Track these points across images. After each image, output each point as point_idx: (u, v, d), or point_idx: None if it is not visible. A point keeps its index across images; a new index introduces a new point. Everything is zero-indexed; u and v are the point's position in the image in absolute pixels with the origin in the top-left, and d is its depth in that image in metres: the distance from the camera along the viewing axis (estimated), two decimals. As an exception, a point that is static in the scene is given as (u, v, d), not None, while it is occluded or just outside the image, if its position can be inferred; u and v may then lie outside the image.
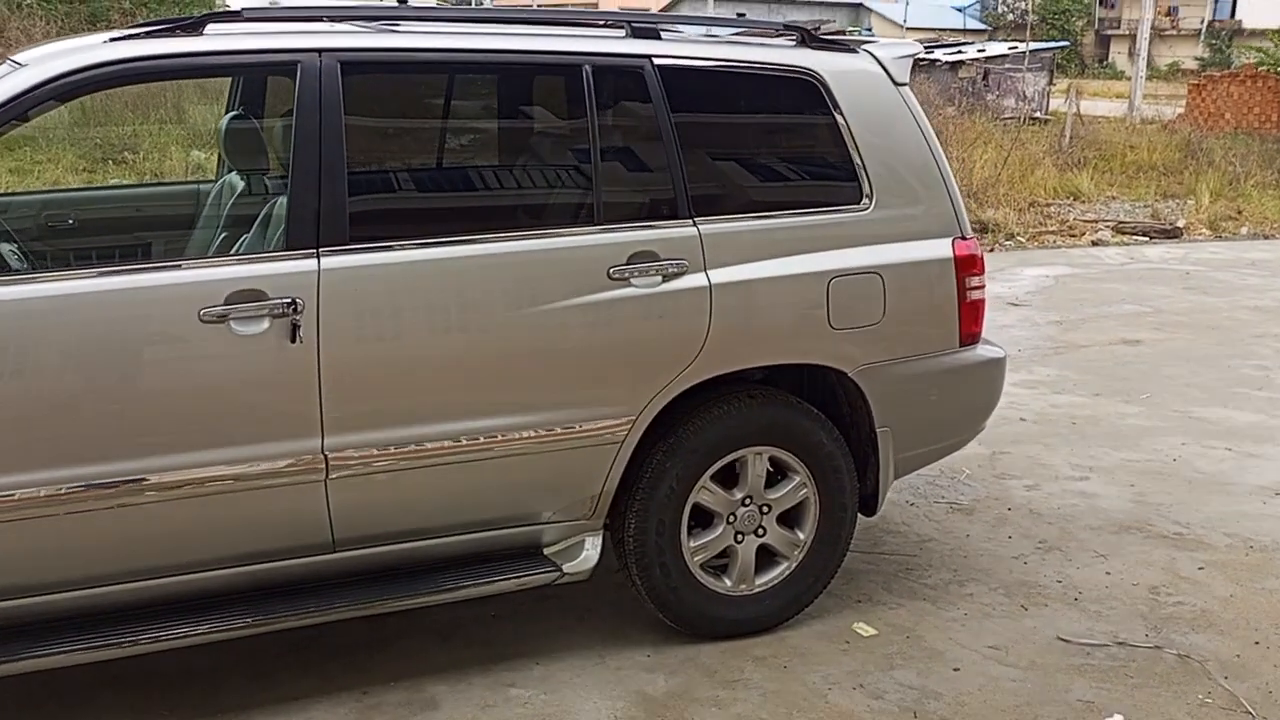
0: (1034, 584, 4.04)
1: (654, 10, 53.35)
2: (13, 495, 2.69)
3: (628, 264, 3.21)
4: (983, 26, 58.06)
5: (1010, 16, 59.26)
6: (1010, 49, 29.08)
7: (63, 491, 2.73)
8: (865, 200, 3.53)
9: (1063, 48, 36.01)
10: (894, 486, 4.72)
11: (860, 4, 59.34)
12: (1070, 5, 61.46)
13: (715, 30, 3.94)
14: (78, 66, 2.79)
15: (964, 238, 3.68)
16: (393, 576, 3.19)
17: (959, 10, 61.17)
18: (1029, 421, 5.83)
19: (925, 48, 29.99)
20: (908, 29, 49.65)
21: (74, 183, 12.59)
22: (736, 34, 3.92)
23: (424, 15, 3.45)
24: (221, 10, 3.09)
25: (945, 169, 3.69)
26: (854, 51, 3.68)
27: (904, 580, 4.05)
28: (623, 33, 3.42)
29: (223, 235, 3.54)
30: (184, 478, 2.83)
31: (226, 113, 3.92)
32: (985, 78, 27.17)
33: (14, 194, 4.66)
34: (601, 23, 3.54)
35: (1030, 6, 55.20)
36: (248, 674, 3.34)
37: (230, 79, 4.06)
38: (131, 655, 2.91)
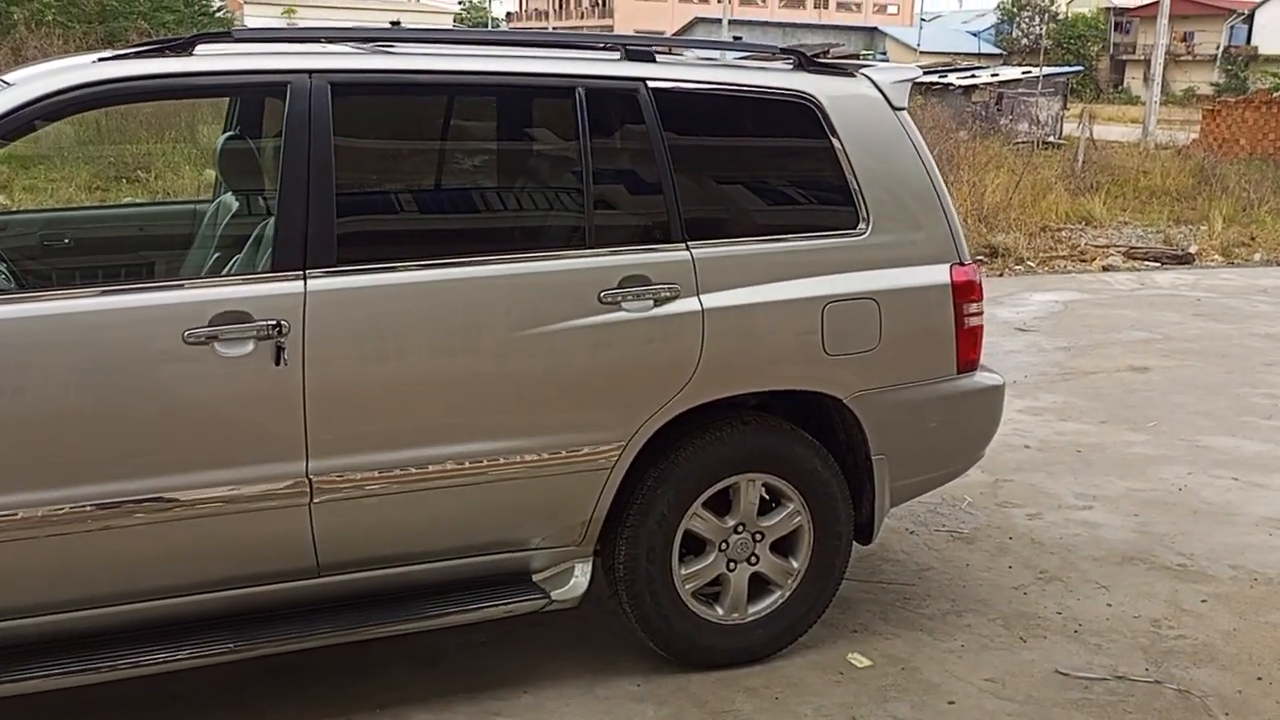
0: (1034, 615, 3.98)
1: (669, 34, 53.65)
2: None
3: (619, 288, 3.18)
4: (997, 51, 58.12)
5: (1025, 41, 59.29)
6: (1024, 73, 29.07)
7: (40, 514, 2.70)
8: (862, 225, 3.50)
9: (1076, 73, 35.98)
10: (893, 514, 4.68)
11: (875, 28, 59.52)
12: (1085, 30, 61.49)
13: (712, 53, 3.91)
14: (64, 86, 2.78)
15: (962, 263, 3.64)
16: (378, 602, 3.15)
17: (974, 35, 61.26)
18: (1033, 449, 5.77)
19: (939, 72, 30.07)
20: (922, 53, 49.71)
21: (86, 201, 12.67)
22: (735, 57, 3.89)
23: (420, 37, 3.43)
24: (212, 31, 3.07)
25: (943, 194, 3.65)
26: (852, 75, 3.65)
27: (901, 610, 3.99)
28: (617, 55, 3.40)
29: (216, 256, 3.53)
30: (166, 500, 2.80)
31: (224, 133, 3.92)
32: (999, 102, 27.17)
33: (12, 213, 4.68)
34: (597, 45, 3.52)
35: (1045, 32, 55.23)
36: (230, 699, 3.30)
37: (227, 100, 4.05)
38: (110, 680, 2.87)
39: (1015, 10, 62.58)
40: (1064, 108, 28.00)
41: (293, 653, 3.11)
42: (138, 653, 2.87)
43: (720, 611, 3.52)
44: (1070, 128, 24.78)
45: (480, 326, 3.06)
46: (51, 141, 14.66)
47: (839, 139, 3.48)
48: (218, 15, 32.06)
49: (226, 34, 3.03)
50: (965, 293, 3.62)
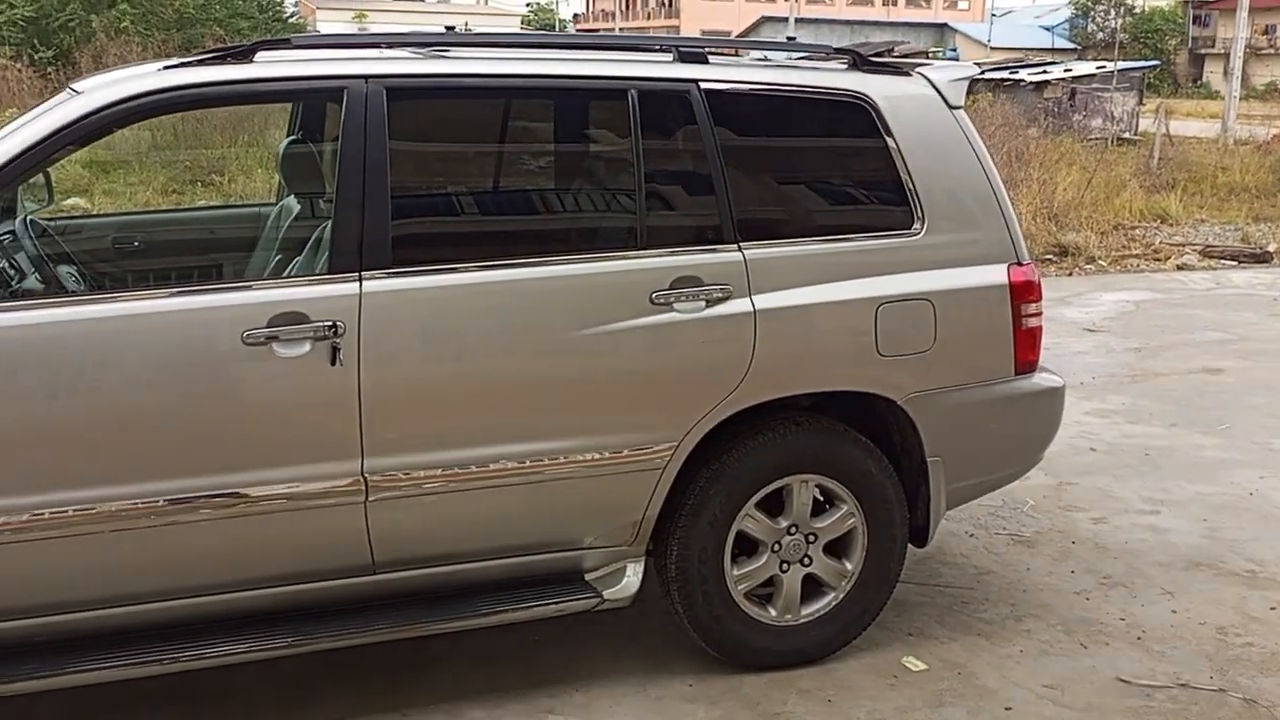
0: (1095, 621, 3.91)
1: (735, 34, 53.48)
2: (58, 513, 2.74)
3: (670, 289, 3.18)
4: (1071, 46, 57.06)
5: (1100, 36, 58.16)
6: (1098, 68, 28.52)
7: (107, 510, 2.78)
8: (917, 225, 3.46)
9: (1153, 67, 35.17)
10: (953, 517, 4.64)
11: (945, 25, 58.81)
12: (1163, 24, 60.14)
13: (766, 54, 3.90)
14: (130, 94, 2.86)
15: (1020, 263, 3.59)
16: (432, 599, 3.19)
17: (1047, 30, 60.23)
18: (1099, 452, 5.66)
19: (1009, 68, 29.64)
20: (992, 49, 49.01)
21: (163, 204, 12.99)
22: (790, 58, 3.87)
23: (475, 41, 3.47)
24: (272, 38, 3.14)
25: (1001, 193, 3.61)
26: (907, 74, 3.62)
27: (959, 614, 3.94)
28: (670, 57, 3.40)
29: (278, 258, 3.60)
30: (226, 497, 2.87)
31: (286, 137, 4.00)
32: (1072, 98, 26.69)
33: (86, 217, 4.83)
34: (650, 47, 3.53)
35: (1121, 25, 54.11)
36: (288, 693, 3.37)
37: (290, 105, 4.13)
38: (171, 672, 2.94)
39: (1090, 4, 61.45)
40: (1140, 103, 27.41)
41: (351, 648, 3.17)
42: (199, 645, 2.94)
43: (773, 613, 3.51)
44: (1146, 123, 24.25)
45: (531, 327, 3.09)
46: (130, 146, 15.08)
47: (894, 138, 3.46)
48: (290, 20, 32.65)
49: (286, 40, 3.09)
50: (1023, 293, 3.57)
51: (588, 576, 3.34)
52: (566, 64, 3.31)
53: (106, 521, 2.79)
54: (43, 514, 2.74)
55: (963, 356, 3.54)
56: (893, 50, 22.67)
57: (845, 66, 3.61)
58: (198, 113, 13.28)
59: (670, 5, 69.30)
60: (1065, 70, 28.39)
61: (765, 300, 3.27)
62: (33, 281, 3.13)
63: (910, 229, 3.47)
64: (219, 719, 3.25)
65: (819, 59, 3.77)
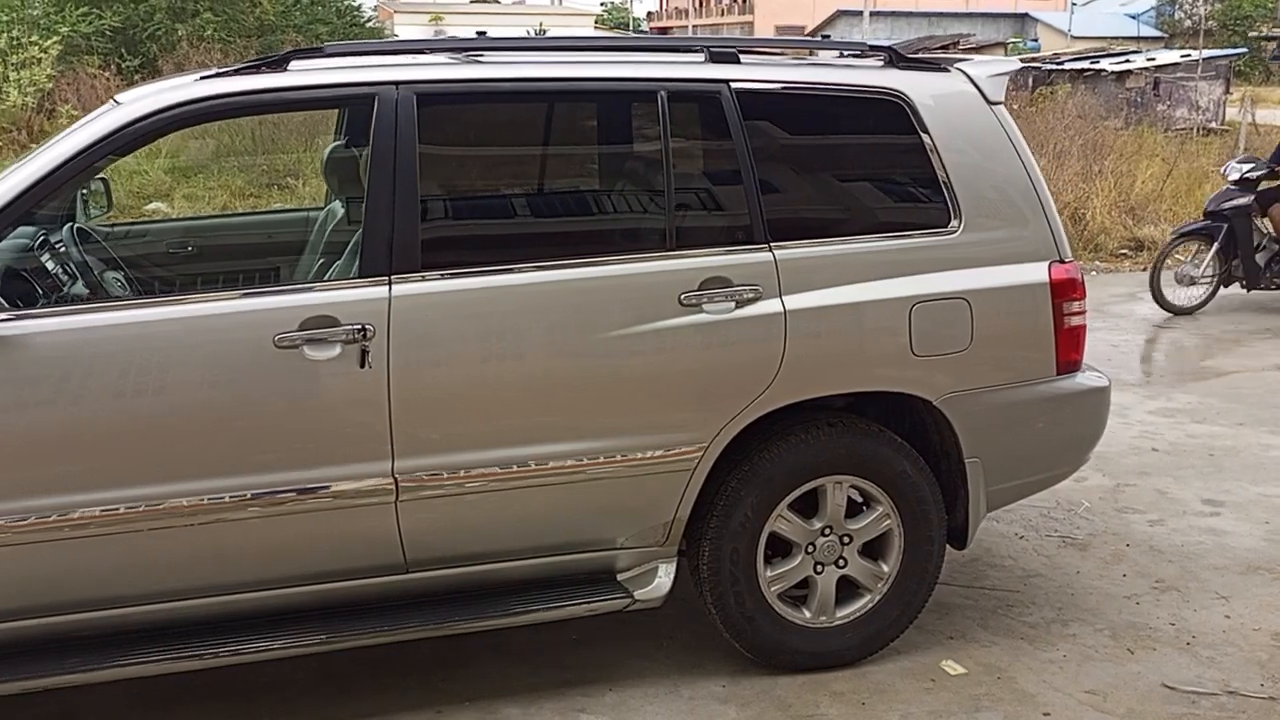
0: (1144, 626, 3.83)
1: (809, 29, 53.03)
2: (94, 513, 2.84)
3: (700, 290, 3.18)
4: (1157, 34, 55.61)
5: (1188, 23, 56.59)
6: (1182, 57, 27.77)
7: (143, 509, 2.86)
8: (953, 223, 3.42)
9: (1240, 55, 34.11)
10: (1003, 519, 4.58)
11: (1026, 15, 57.68)
12: (1253, 11, 58.31)
13: (802, 53, 3.87)
14: (166, 105, 2.94)
15: (1062, 261, 3.52)
16: (465, 598, 3.24)
17: (1133, 18, 58.77)
18: (1161, 452, 5.52)
19: (1090, 58, 28.98)
20: (1074, 38, 47.94)
21: (239, 207, 13.30)
22: (827, 56, 3.85)
23: (509, 45, 3.51)
24: (306, 47, 3.21)
25: (1042, 189, 3.54)
26: (945, 70, 3.57)
27: (1002, 617, 3.88)
28: (701, 58, 3.40)
29: (320, 261, 3.67)
30: (259, 497, 2.94)
31: (333, 142, 4.08)
32: (1155, 87, 26.03)
33: (146, 222, 4.95)
34: (682, 48, 3.53)
35: (1209, 13, 52.60)
36: (325, 689, 3.44)
37: (338, 111, 4.20)
38: (209, 668, 3.02)
39: (1178, -7, 59.78)
40: (1226, 92, 26.62)
41: (389, 645, 3.22)
42: (237, 641, 3.02)
43: (807, 614, 3.49)
44: (1233, 113, 23.54)
45: (559, 329, 3.11)
46: (211, 151, 15.47)
47: (929, 136, 3.42)
48: (369, 26, 33.13)
49: (319, 49, 3.15)
50: (1065, 291, 3.50)
51: (620, 577, 3.36)
52: (596, 66, 3.32)
53: (144, 520, 2.87)
54: (78, 513, 2.83)
55: (1001, 356, 3.48)
56: (958, 44, 22.34)
57: (881, 64, 3.57)
58: (274, 118, 13.64)
59: (744, 2, 69.04)
60: (1148, 59, 27.71)
61: (796, 301, 3.25)
62: (79, 288, 3.23)
63: (947, 227, 3.42)
64: (256, 714, 3.32)
65: (855, 57, 3.73)
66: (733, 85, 3.31)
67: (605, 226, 3.40)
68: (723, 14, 71.34)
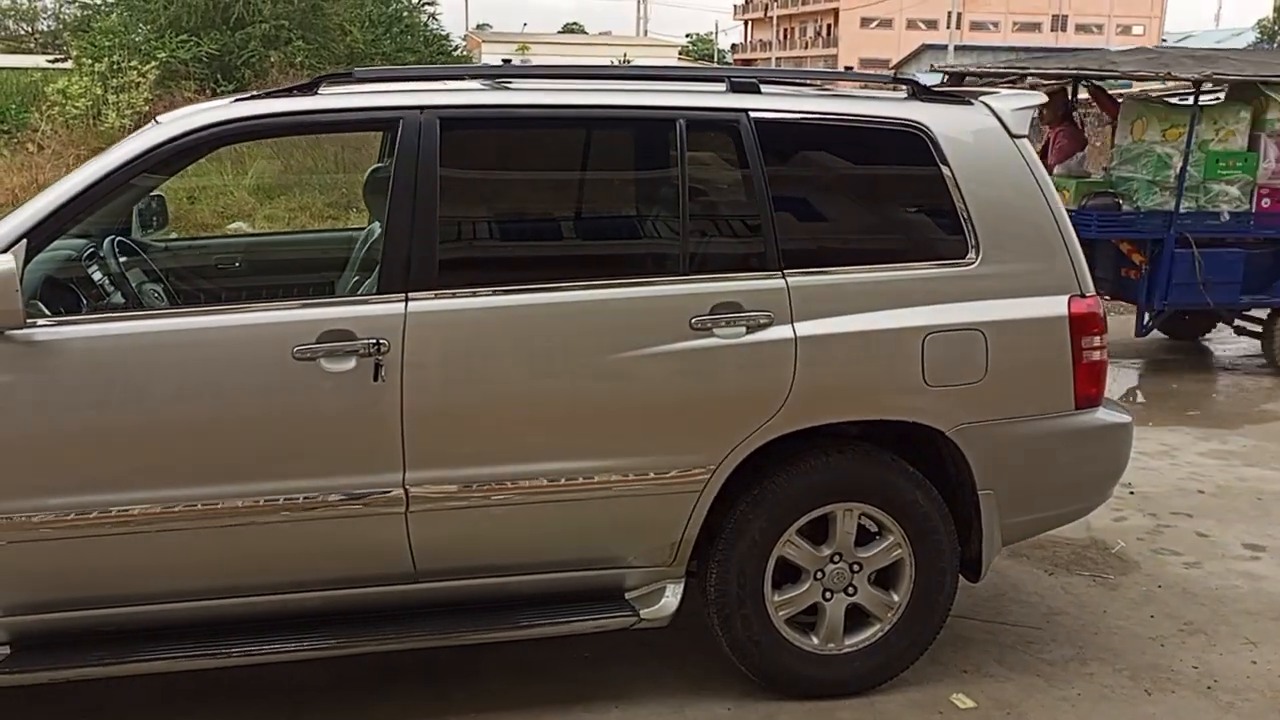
0: (1166, 668, 3.76)
1: (894, 62, 52.73)
2: (121, 512, 2.97)
3: (711, 314, 3.23)
4: (1253, 70, 54.22)
5: (1287, 60, 55.11)
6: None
7: (169, 510, 2.99)
8: (971, 254, 3.43)
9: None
10: (1031, 555, 4.54)
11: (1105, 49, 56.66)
12: (1357, 46, 56.58)
13: (825, 83, 3.91)
14: (200, 125, 3.09)
15: (1083, 295, 3.51)
16: (473, 609, 3.31)
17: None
18: (1207, 494, 5.41)
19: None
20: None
21: (317, 225, 13.67)
22: (849, 87, 3.89)
23: (537, 73, 3.61)
24: (337, 72, 3.34)
25: (1064, 223, 3.53)
26: (969, 104, 3.59)
27: (1020, 653, 3.85)
28: (722, 87, 3.47)
29: (355, 279, 3.79)
30: (273, 503, 3.05)
31: (377, 163, 4.22)
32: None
33: (199, 239, 5.14)
34: (705, 78, 3.60)
35: (1309, 48, 51.15)
36: (338, 691, 3.53)
37: (382, 133, 4.34)
38: (223, 667, 3.13)
39: (1277, 28, 58.32)
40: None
41: (401, 654, 3.30)
42: (250, 643, 3.13)
43: (815, 641, 3.50)
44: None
45: (571, 349, 3.18)
46: (295, 173, 15.92)
47: (949, 167, 3.43)
48: (456, 53, 33.79)
49: (349, 74, 3.28)
50: (1085, 326, 3.48)
51: (627, 595, 3.40)
52: (617, 95, 3.40)
53: (165, 522, 3.00)
54: (94, 514, 2.96)
55: (1017, 389, 3.47)
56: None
57: (904, 96, 3.60)
58: (356, 140, 14.01)
59: (829, 35, 69.04)
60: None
61: (807, 327, 3.29)
62: (117, 298, 3.39)
63: (964, 258, 3.43)
64: (265, 713, 3.42)
65: (878, 88, 3.77)
66: (751, 115, 3.36)
67: (619, 250, 3.47)
68: (806, 47, 71.41)
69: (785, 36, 75.70)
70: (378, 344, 3.04)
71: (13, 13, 52.25)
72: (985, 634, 3.97)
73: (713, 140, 3.41)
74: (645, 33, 77.14)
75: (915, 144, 3.46)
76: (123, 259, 3.68)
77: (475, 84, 3.41)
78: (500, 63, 3.95)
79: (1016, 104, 3.60)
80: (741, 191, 3.38)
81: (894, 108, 3.51)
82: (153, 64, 21.23)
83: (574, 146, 3.60)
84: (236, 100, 3.21)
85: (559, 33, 76.92)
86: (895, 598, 3.51)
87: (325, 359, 3.03)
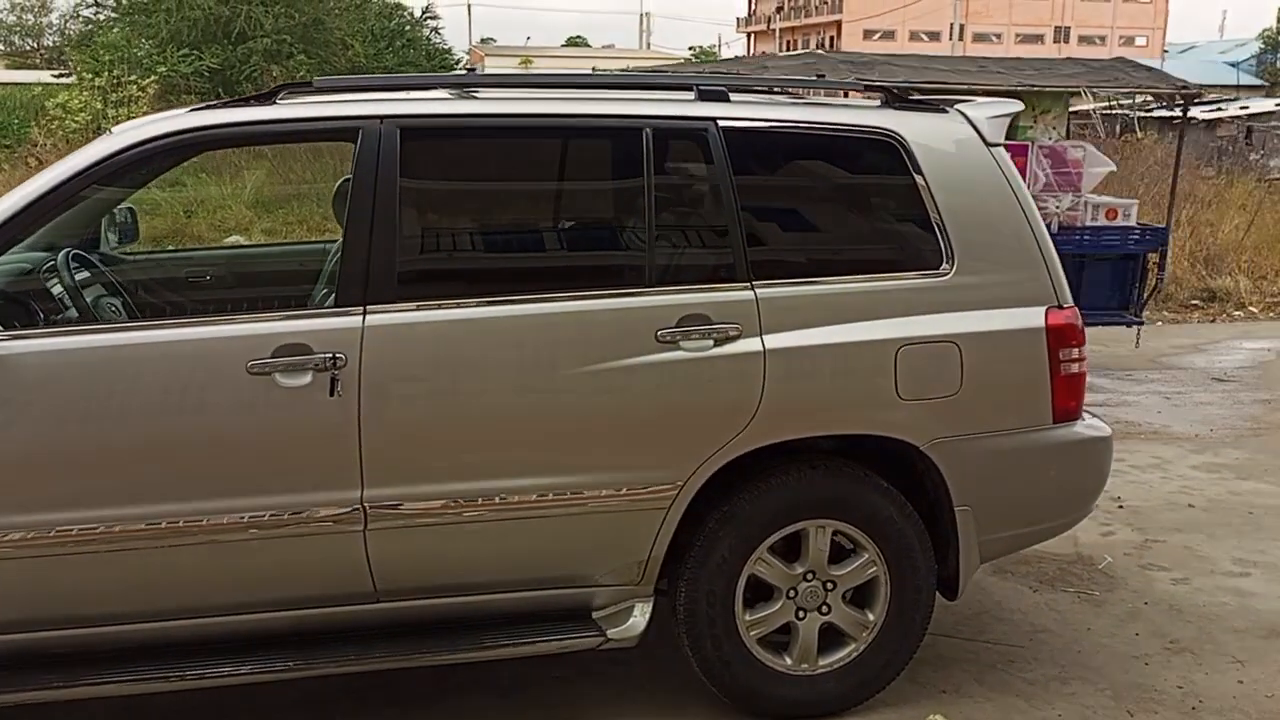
0: (1149, 688, 3.67)
1: (897, 72, 52.53)
2: (63, 531, 2.90)
3: (677, 327, 3.16)
4: (1259, 83, 54.22)
5: (1292, 71, 55.07)
6: (1277, 105, 27.05)
7: (119, 530, 2.92)
8: (945, 265, 3.35)
9: (1344, 103, 33.06)
10: (1016, 570, 4.46)
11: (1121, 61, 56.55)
12: (1361, 58, 56.59)
13: (797, 90, 3.85)
14: (155, 135, 3.03)
15: (1060, 306, 3.43)
16: (435, 629, 3.23)
17: (1232, 66, 57.43)
18: (1198, 509, 5.32)
19: (1180, 105, 28.23)
20: (1169, 86, 46.90)
21: (315, 238, 13.60)
22: (821, 94, 3.82)
23: (502, 82, 3.55)
24: (296, 81, 3.28)
25: (1041, 233, 3.46)
26: (943, 111, 3.53)
27: (1001, 672, 3.76)
28: (691, 95, 3.40)
29: (324, 291, 3.73)
30: (229, 521, 2.97)
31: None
32: (1248, 136, 25.41)
33: (167, 252, 5.03)
34: (673, 85, 3.54)
35: (1313, 60, 51.11)
36: (304, 713, 3.45)
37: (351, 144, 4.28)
38: (175, 690, 3.06)
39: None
40: (1324, 141, 25.82)
41: (376, 674, 3.22)
42: (203, 665, 3.05)
43: (789, 661, 3.42)
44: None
45: (533, 363, 3.11)
46: (294, 185, 15.87)
47: (923, 176, 3.36)
48: (458, 66, 33.85)
49: (308, 84, 3.22)
50: (1063, 338, 3.41)
51: (595, 614, 3.32)
52: (583, 103, 3.34)
53: (115, 541, 2.93)
54: (41, 533, 2.89)
55: (993, 403, 3.39)
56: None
57: (877, 104, 3.54)
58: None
59: (831, 47, 68.97)
60: (1241, 108, 27.06)
61: (776, 340, 3.21)
62: (72, 313, 3.32)
63: (939, 269, 3.36)
64: (231, 737, 3.36)
65: (851, 96, 3.70)
66: (720, 123, 3.30)
67: (583, 262, 3.40)
68: (810, 58, 71.22)
69: (788, 48, 75.68)
70: (334, 358, 2.98)
71: (19, 28, 52.47)
72: (966, 652, 3.89)
73: (680, 149, 3.34)
74: (648, 45, 77.21)
75: (888, 152, 3.39)
76: (84, 273, 3.61)
77: (439, 94, 3.35)
78: (466, 70, 3.88)
79: (992, 112, 3.53)
80: (709, 201, 3.31)
81: (866, 116, 3.45)
82: (153, 78, 21.24)
83: (538, 156, 3.53)
84: (193, 110, 3.15)
85: (563, 46, 77.02)
86: (870, 616, 3.43)
87: (280, 374, 2.97)
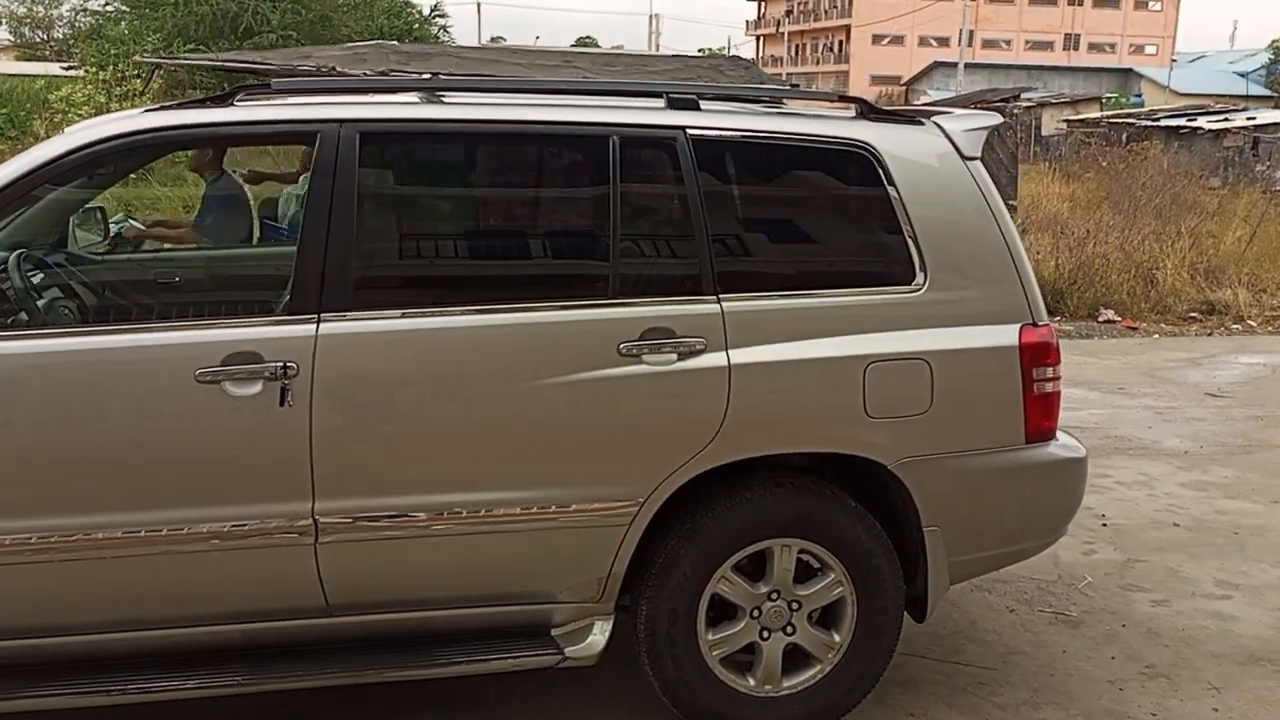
0: (1122, 714, 3.60)
1: (905, 79, 52.69)
2: (9, 540, 2.83)
3: (640, 340, 3.09)
4: (1268, 93, 54.05)
5: (1302, 82, 54.86)
6: (1284, 116, 26.96)
7: (58, 539, 2.85)
8: (918, 279, 3.28)
9: (1352, 115, 32.90)
10: (995, 589, 4.39)
11: (1130, 70, 56.61)
12: (1372, 69, 56.43)
13: (770, 100, 3.76)
14: (107, 135, 2.96)
15: (1036, 324, 3.36)
16: (389, 645, 3.16)
17: (1241, 76, 57.27)
18: (1182, 527, 5.24)
19: (1186, 115, 28.26)
20: (1178, 94, 46.86)
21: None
22: (797, 106, 3.74)
23: (469, 86, 3.48)
24: (254, 84, 3.22)
25: (1017, 249, 3.39)
26: (919, 124, 3.46)
27: (971, 695, 3.69)
28: (660, 104, 3.33)
29: (287, 298, 3.65)
30: (177, 533, 2.91)
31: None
32: (1254, 147, 25.32)
33: (132, 254, 4.91)
34: (642, 93, 3.47)
35: (1323, 71, 50.97)
36: (258, 728, 3.39)
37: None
38: (119, 704, 2.99)
39: (1291, 49, 58.04)
40: (1332, 153, 25.73)
41: (330, 689, 3.15)
42: (149, 678, 2.98)
43: (752, 682, 3.35)
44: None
45: (490, 375, 3.04)
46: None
47: (896, 189, 3.29)
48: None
49: (266, 85, 3.16)
50: (1037, 356, 3.34)
51: (554, 632, 3.26)
52: (549, 110, 3.27)
53: (57, 551, 2.86)
54: None
55: (964, 421, 3.32)
56: (1018, 97, 21.96)
57: (851, 115, 3.46)
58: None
59: (840, 51, 68.89)
60: (1248, 118, 26.98)
61: (742, 355, 3.15)
62: (22, 316, 3.25)
63: (910, 284, 3.29)
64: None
65: (825, 106, 3.63)
66: (689, 132, 3.23)
67: (545, 271, 3.33)
68: (818, 63, 71.29)
69: (797, 52, 75.61)
70: (285, 367, 2.91)
71: (29, 19, 52.50)
72: (937, 674, 3.81)
73: (648, 158, 3.27)
74: (658, 47, 77.07)
75: (861, 164, 3.32)
76: (41, 275, 3.55)
77: (402, 97, 3.28)
78: (430, 75, 3.82)
79: (968, 125, 3.46)
80: (676, 212, 3.24)
81: (839, 126, 3.37)
82: (158, 72, 21.22)
83: (502, 163, 3.45)
84: (147, 110, 3.09)
85: (572, 45, 76.97)
86: (837, 638, 3.36)
87: (229, 382, 2.90)
